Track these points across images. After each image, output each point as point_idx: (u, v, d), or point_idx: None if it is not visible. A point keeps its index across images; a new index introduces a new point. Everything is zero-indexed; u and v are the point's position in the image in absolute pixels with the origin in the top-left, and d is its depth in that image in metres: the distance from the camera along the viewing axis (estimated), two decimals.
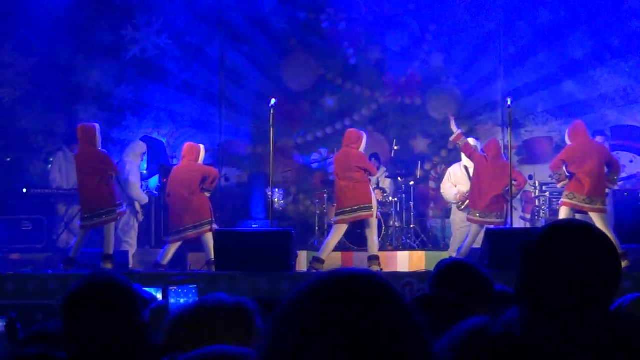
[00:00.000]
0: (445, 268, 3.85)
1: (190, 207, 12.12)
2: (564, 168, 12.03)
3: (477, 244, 12.01)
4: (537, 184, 14.48)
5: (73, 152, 13.09)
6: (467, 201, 12.90)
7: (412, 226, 14.74)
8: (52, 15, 15.89)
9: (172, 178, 12.46)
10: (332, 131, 16.63)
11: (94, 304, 3.09)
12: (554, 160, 12.34)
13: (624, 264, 10.33)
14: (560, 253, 2.33)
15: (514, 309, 2.35)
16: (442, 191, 14.05)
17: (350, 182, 12.05)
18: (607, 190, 12.13)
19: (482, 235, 11.74)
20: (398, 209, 14.63)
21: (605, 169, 11.98)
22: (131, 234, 13.67)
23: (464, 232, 12.90)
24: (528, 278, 2.36)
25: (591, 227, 2.44)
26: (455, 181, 13.64)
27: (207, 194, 12.34)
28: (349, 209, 12.04)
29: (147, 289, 6.12)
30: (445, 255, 12.82)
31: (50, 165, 15.16)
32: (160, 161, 15.66)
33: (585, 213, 11.81)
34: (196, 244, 12.63)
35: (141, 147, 13.90)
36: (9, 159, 16.01)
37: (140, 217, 13.78)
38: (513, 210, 12.45)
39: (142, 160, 13.95)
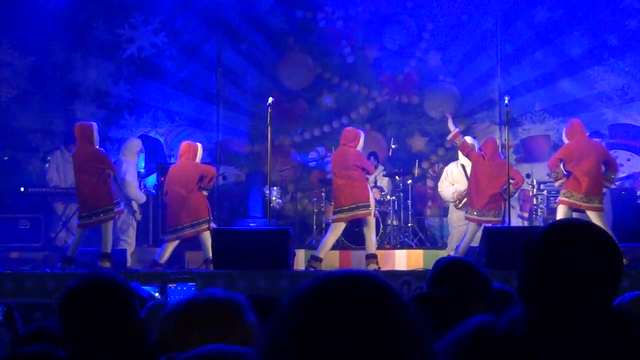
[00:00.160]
0: (444, 267, 3.86)
1: (188, 205, 12.11)
2: (562, 166, 12.04)
3: (475, 243, 12.01)
4: (534, 183, 14.48)
5: (70, 151, 13.09)
6: (465, 200, 12.91)
7: (409, 225, 14.74)
8: (50, 14, 15.90)
9: (169, 177, 12.46)
10: (330, 130, 16.63)
11: (91, 302, 3.09)
12: (552, 159, 12.36)
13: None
14: (562, 252, 2.32)
15: (516, 307, 2.35)
16: (439, 190, 14.06)
17: (347, 181, 12.05)
18: (604, 189, 12.15)
19: (479, 233, 11.74)
20: (396, 207, 14.63)
21: (603, 168, 11.99)
22: (129, 232, 13.68)
23: (461, 231, 12.91)
24: (530, 277, 2.36)
25: (593, 226, 2.45)
26: (453, 180, 13.65)
27: (205, 193, 12.34)
28: (347, 207, 12.04)
29: (145, 288, 6.12)
30: (443, 253, 12.83)
31: (47, 164, 15.15)
32: (157, 160, 15.67)
33: (583, 211, 11.82)
34: (194, 243, 12.62)
35: (137, 144, 13.89)
36: (6, 158, 16.00)
37: (138, 216, 13.78)
38: (511, 208, 12.46)
39: (139, 158, 13.95)
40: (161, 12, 16.70)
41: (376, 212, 12.82)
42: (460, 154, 13.17)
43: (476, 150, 12.67)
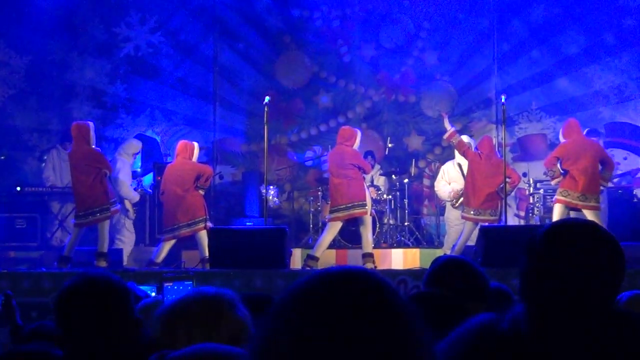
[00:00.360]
0: (441, 265, 3.85)
1: (185, 204, 12.11)
2: (558, 165, 12.05)
3: (472, 242, 12.02)
4: (531, 182, 14.49)
5: (67, 151, 13.08)
6: (461, 199, 12.91)
7: (406, 224, 14.74)
8: (47, 14, 15.88)
9: (166, 176, 12.45)
10: (326, 129, 16.63)
11: (87, 301, 3.10)
12: (548, 157, 12.37)
13: None
14: (564, 252, 2.32)
15: (517, 306, 2.35)
16: (436, 189, 14.07)
17: (344, 180, 12.05)
18: (601, 188, 12.16)
19: (476, 232, 11.75)
20: (392, 206, 14.63)
21: (600, 167, 12.00)
22: (123, 232, 13.68)
23: (458, 230, 12.91)
24: (531, 277, 2.35)
25: (595, 225, 2.44)
26: (449, 179, 13.66)
27: (201, 192, 12.33)
28: (343, 206, 12.05)
29: (142, 287, 6.11)
30: (439, 252, 12.83)
31: (44, 164, 15.13)
32: (154, 159, 15.66)
33: (579, 210, 11.84)
34: (190, 242, 12.62)
35: (135, 147, 13.88)
36: (2, 157, 15.98)
37: (132, 215, 13.77)
38: (507, 207, 12.46)
39: (135, 159, 13.94)
40: (158, 11, 16.69)
41: (373, 211, 12.82)
42: (456, 153, 13.18)
43: (473, 149, 12.67)
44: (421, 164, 16.34)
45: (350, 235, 13.51)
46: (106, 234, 11.95)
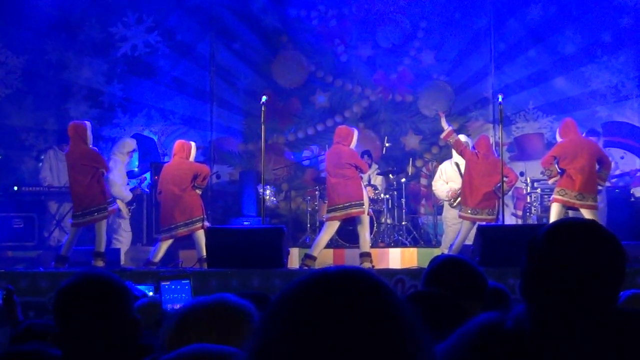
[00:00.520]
0: (439, 265, 3.84)
1: (182, 204, 12.10)
2: (555, 164, 12.06)
3: (469, 241, 12.02)
4: (528, 181, 14.49)
5: (64, 150, 13.07)
6: (459, 198, 12.91)
7: (403, 223, 14.73)
8: (43, 13, 15.87)
9: (163, 175, 12.45)
10: (323, 128, 16.63)
11: (86, 300, 3.09)
12: (545, 157, 12.38)
13: None
14: (566, 251, 2.32)
15: (521, 305, 2.34)
16: (434, 188, 14.07)
17: (341, 179, 12.05)
18: (599, 187, 12.17)
19: (473, 231, 11.75)
20: (389, 206, 14.62)
21: (597, 166, 12.01)
22: (119, 231, 13.68)
23: (456, 229, 12.91)
24: (533, 277, 2.35)
25: (596, 224, 2.43)
26: (447, 178, 13.66)
27: (199, 192, 12.33)
28: (341, 206, 12.05)
29: (139, 287, 6.11)
30: (437, 252, 12.84)
31: (41, 163, 15.13)
32: (151, 159, 15.66)
33: (577, 209, 11.85)
34: (188, 242, 12.61)
35: (129, 145, 13.86)
36: None
37: (126, 215, 13.74)
38: (504, 206, 12.46)
39: (131, 157, 13.92)
40: (154, 10, 16.68)
41: (370, 210, 12.82)
42: (454, 152, 13.18)
43: (470, 148, 12.68)
44: (418, 163, 16.33)
45: (347, 235, 13.50)
46: (104, 234, 11.94)
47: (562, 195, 11.92)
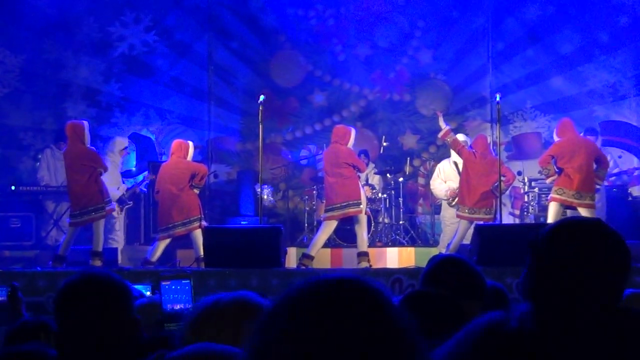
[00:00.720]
0: (437, 264, 3.83)
1: (179, 203, 12.10)
2: (553, 163, 12.06)
3: (467, 240, 12.02)
4: (526, 180, 14.50)
5: (61, 150, 13.06)
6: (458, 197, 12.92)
7: (401, 222, 14.75)
8: (41, 13, 15.85)
9: (161, 175, 12.44)
10: (321, 127, 16.64)
11: (87, 300, 3.09)
12: (543, 156, 12.38)
13: None
14: (570, 250, 2.32)
15: (523, 304, 2.33)
16: (432, 187, 14.07)
17: (339, 179, 12.06)
18: (598, 186, 12.18)
19: (471, 231, 11.75)
20: (387, 205, 14.63)
21: (594, 165, 12.02)
22: (112, 231, 13.67)
23: (453, 229, 12.92)
24: (537, 276, 2.34)
25: (601, 223, 2.42)
26: (445, 177, 13.66)
27: (196, 191, 12.32)
28: (338, 205, 12.05)
29: (136, 286, 6.10)
30: (434, 251, 12.84)
31: (38, 163, 15.13)
32: (149, 158, 15.65)
33: (574, 208, 11.85)
34: (185, 241, 12.61)
35: (119, 143, 13.87)
36: None
37: (117, 214, 13.70)
38: (502, 206, 12.47)
39: (125, 156, 13.91)
40: (152, 10, 16.67)
41: (367, 209, 12.83)
42: (452, 151, 13.18)
43: (467, 147, 12.68)
44: (416, 162, 16.35)
45: (345, 234, 13.50)
46: (101, 233, 11.94)
47: (559, 195, 11.93)
